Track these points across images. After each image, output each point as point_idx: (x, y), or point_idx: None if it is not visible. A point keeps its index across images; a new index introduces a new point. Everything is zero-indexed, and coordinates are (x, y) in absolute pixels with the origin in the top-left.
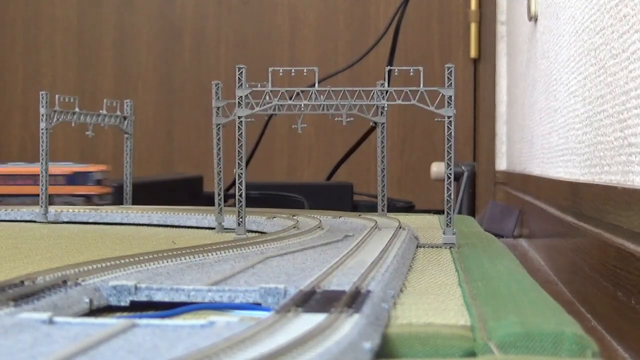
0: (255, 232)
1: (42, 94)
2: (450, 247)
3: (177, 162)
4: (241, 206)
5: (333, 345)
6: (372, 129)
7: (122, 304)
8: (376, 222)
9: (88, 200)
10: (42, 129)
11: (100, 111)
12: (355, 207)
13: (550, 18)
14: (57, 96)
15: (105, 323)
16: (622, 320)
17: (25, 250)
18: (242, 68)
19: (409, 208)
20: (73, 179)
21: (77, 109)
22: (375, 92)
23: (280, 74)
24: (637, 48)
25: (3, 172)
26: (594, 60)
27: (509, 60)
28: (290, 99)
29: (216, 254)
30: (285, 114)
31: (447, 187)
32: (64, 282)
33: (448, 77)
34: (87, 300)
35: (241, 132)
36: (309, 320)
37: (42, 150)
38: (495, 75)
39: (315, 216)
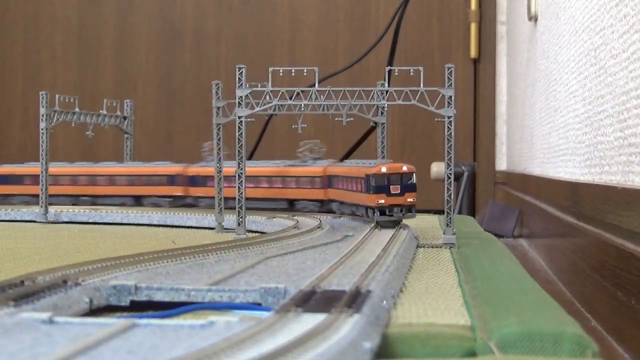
0: (255, 232)
1: (42, 94)
2: (450, 247)
3: (177, 162)
4: (241, 206)
5: (333, 345)
6: (372, 129)
7: (122, 303)
8: None
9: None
10: (42, 129)
11: (101, 111)
12: None
13: (550, 18)
14: (57, 96)
15: (105, 323)
16: (622, 320)
17: (25, 250)
18: (242, 68)
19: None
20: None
21: (77, 109)
22: (375, 92)
23: (280, 74)
24: (637, 48)
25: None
26: (594, 60)
27: (509, 60)
28: (291, 99)
29: (216, 254)
30: (286, 114)
31: (447, 187)
32: (64, 282)
33: (448, 77)
34: (87, 300)
35: (241, 132)
36: (309, 320)
37: (42, 150)
38: (495, 75)
39: (315, 216)
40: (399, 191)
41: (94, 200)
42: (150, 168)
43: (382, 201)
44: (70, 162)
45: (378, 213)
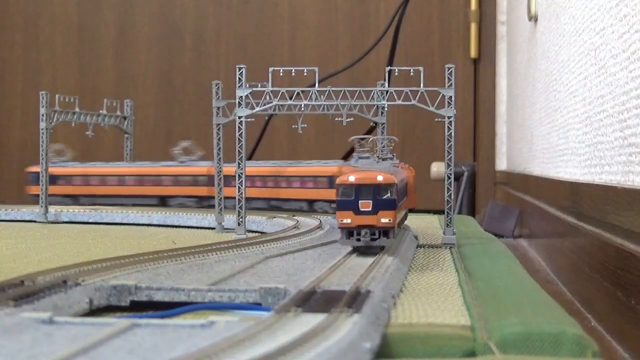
0: (255, 232)
1: (42, 94)
2: (450, 247)
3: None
4: (241, 206)
5: (333, 345)
6: (372, 128)
7: (122, 303)
8: None
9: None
10: (42, 129)
11: (101, 111)
12: None
13: (550, 18)
14: (57, 96)
15: (106, 323)
16: (622, 320)
17: (25, 250)
18: (242, 68)
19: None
20: None
21: (77, 109)
22: (375, 92)
23: (281, 74)
24: (637, 48)
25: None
26: (594, 60)
27: (509, 60)
28: (291, 99)
29: (216, 254)
30: (286, 114)
31: (447, 187)
32: (64, 282)
33: (448, 78)
34: (87, 300)
35: (241, 132)
36: (309, 320)
37: (42, 150)
38: (495, 75)
39: (315, 216)
40: (370, 208)
41: (281, 204)
42: (311, 168)
43: (348, 220)
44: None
45: (342, 235)
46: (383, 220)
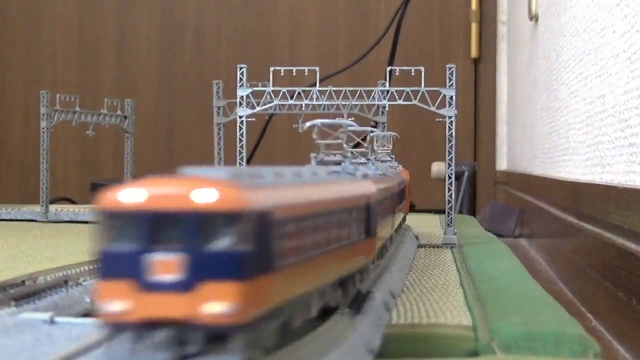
0: None
1: (42, 93)
2: (451, 247)
3: (177, 161)
4: None
5: (334, 346)
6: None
7: None
8: None
9: None
10: (42, 128)
11: (101, 110)
12: None
13: (551, 18)
14: (57, 95)
15: None
16: (623, 320)
17: (26, 249)
18: (243, 67)
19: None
20: None
21: (77, 108)
22: (376, 92)
23: (281, 73)
24: (638, 48)
25: None
26: (595, 60)
27: (509, 60)
28: (292, 98)
29: None
30: (286, 113)
31: (448, 187)
32: (65, 281)
33: (449, 77)
34: (88, 300)
35: (242, 132)
36: (309, 321)
37: (43, 149)
38: (496, 75)
39: None
40: (178, 274)
41: None
42: None
43: (120, 305)
44: None
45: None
46: (212, 307)
